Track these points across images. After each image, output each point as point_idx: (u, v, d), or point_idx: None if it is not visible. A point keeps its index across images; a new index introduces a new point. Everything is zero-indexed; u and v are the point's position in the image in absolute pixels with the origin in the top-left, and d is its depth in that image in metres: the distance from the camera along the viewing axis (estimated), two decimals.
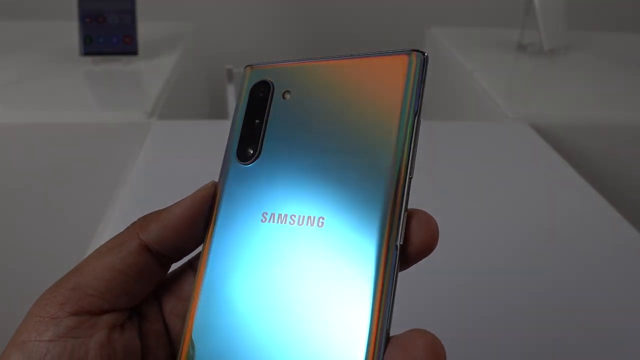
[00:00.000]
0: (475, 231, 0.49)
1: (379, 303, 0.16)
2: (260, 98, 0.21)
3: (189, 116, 0.97)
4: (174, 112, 0.80)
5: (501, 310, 0.40)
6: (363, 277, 0.16)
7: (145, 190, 0.53)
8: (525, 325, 0.39)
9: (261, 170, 0.20)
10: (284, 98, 0.21)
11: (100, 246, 0.19)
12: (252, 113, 0.21)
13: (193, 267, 0.21)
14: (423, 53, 0.18)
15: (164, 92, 0.78)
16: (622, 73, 0.95)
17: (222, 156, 0.21)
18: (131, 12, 0.86)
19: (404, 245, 0.17)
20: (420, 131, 0.18)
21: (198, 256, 0.20)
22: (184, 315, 0.20)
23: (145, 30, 0.91)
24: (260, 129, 0.21)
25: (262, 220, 0.19)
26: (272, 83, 0.21)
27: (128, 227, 0.20)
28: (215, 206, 0.20)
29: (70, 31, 0.90)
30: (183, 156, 0.60)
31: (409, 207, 0.17)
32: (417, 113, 0.18)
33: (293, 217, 0.18)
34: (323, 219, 0.18)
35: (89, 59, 0.87)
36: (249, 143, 0.21)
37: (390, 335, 0.16)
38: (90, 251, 0.19)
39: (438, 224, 0.18)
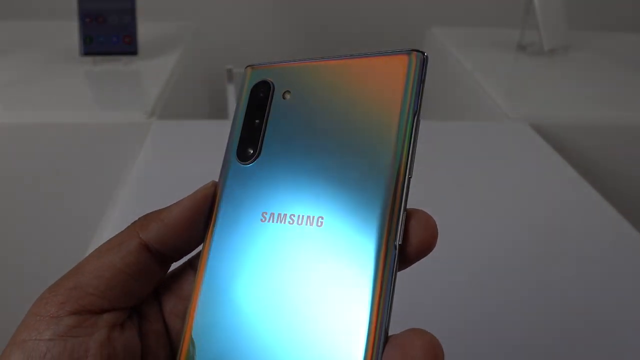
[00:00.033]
0: (475, 231, 0.49)
1: (377, 302, 0.16)
2: (260, 98, 0.21)
3: (189, 116, 0.97)
4: (174, 112, 0.80)
5: (500, 311, 0.40)
6: (362, 277, 0.16)
7: (145, 190, 0.53)
8: (525, 325, 0.39)
9: (261, 170, 0.20)
10: (284, 98, 0.21)
11: (101, 245, 0.19)
12: (253, 113, 0.21)
13: (193, 266, 0.21)
14: (423, 53, 0.18)
15: (164, 92, 0.78)
16: (622, 73, 0.95)
17: (222, 156, 0.21)
18: (131, 12, 0.86)
19: (403, 245, 0.17)
20: (420, 131, 0.18)
21: (198, 255, 0.20)
22: (184, 314, 0.20)
23: (145, 30, 0.91)
24: (260, 129, 0.21)
25: (261, 219, 0.19)
26: (272, 83, 0.21)
27: (128, 227, 0.20)
28: (215, 206, 0.20)
29: (70, 31, 0.90)
30: (183, 156, 0.60)
31: (408, 206, 0.17)
32: (416, 113, 0.18)
33: (292, 216, 0.18)
34: (322, 218, 0.18)
35: (89, 59, 0.87)
36: (249, 143, 0.21)
37: (389, 334, 0.16)
38: (90, 251, 0.19)
39: (438, 224, 0.18)
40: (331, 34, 1.40)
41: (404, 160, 0.17)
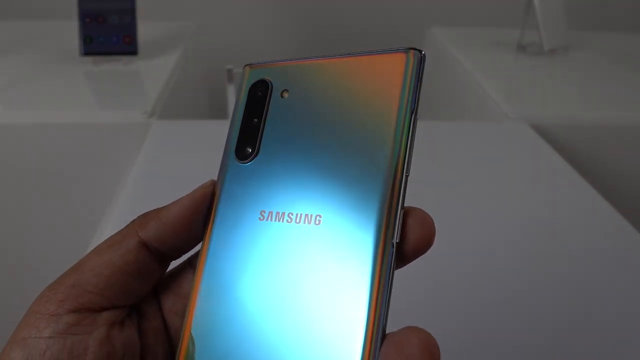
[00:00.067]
0: (475, 231, 0.49)
1: (375, 300, 0.16)
2: (258, 97, 0.21)
3: (189, 116, 0.97)
4: (174, 112, 0.80)
5: (498, 310, 0.40)
6: (359, 275, 0.17)
7: (145, 190, 0.54)
8: (523, 324, 0.39)
9: (259, 169, 0.20)
10: (282, 97, 0.21)
11: (100, 244, 0.19)
12: (251, 112, 0.21)
13: (192, 265, 0.21)
14: (420, 51, 0.18)
15: (164, 92, 0.78)
16: (621, 73, 0.95)
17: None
18: (131, 12, 0.86)
19: (400, 243, 0.17)
20: (419, 131, 0.18)
21: (197, 254, 0.21)
22: (183, 312, 0.20)
23: (145, 30, 0.91)
24: (258, 128, 0.21)
25: (260, 218, 0.19)
26: (270, 82, 0.21)
27: (127, 225, 0.20)
28: (214, 204, 0.20)
29: (70, 31, 0.91)
30: (183, 156, 0.60)
31: (406, 205, 0.18)
32: (414, 111, 0.18)
33: (290, 215, 0.19)
34: (320, 216, 0.18)
35: (89, 59, 0.87)
36: (247, 142, 0.21)
37: (386, 332, 0.16)
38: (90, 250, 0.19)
39: (436, 224, 0.18)
40: (331, 34, 1.41)
41: (401, 158, 0.17)
